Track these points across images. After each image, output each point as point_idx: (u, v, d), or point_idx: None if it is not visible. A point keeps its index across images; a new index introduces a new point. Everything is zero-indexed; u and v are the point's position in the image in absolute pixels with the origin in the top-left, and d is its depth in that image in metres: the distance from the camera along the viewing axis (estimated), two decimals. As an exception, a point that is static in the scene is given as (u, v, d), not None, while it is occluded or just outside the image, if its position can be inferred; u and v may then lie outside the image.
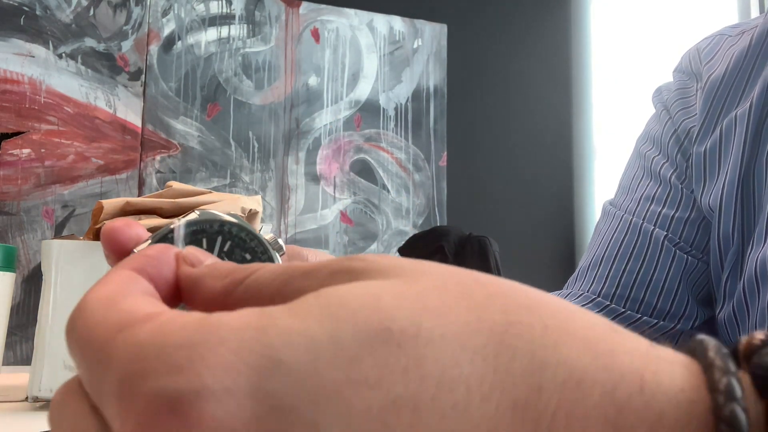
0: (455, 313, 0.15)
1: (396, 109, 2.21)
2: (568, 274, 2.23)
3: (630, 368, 0.15)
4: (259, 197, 1.05)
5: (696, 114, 0.53)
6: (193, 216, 0.26)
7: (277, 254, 0.25)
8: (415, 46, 2.25)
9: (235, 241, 0.25)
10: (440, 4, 2.31)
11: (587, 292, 0.51)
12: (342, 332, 0.14)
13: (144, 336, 0.15)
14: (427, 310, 0.15)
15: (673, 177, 0.53)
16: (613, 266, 0.51)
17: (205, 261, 0.20)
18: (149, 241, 0.24)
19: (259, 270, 0.18)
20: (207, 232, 0.25)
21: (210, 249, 0.25)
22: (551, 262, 2.28)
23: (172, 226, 0.25)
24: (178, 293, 0.20)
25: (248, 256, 0.25)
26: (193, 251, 0.21)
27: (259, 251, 0.25)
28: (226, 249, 0.25)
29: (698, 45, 0.57)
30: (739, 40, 0.54)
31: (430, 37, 2.27)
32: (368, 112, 2.18)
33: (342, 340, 0.14)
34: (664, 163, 0.54)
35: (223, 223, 0.25)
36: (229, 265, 0.20)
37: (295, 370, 0.14)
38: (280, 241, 0.26)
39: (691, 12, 2.06)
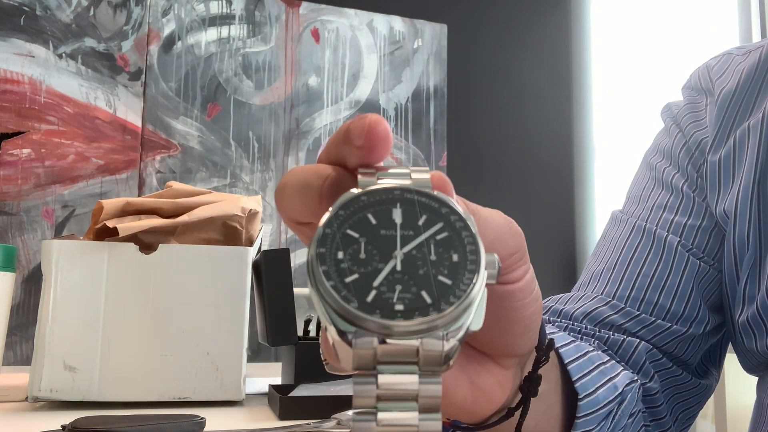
0: None
1: (396, 109, 2.21)
2: (568, 274, 2.24)
3: None
4: (259, 197, 1.05)
5: (707, 126, 0.55)
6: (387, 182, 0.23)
7: (482, 271, 0.22)
8: (415, 46, 2.25)
9: (452, 230, 0.22)
10: (440, 4, 2.31)
11: (601, 294, 0.52)
12: None
13: None
14: None
15: (685, 186, 0.54)
16: (628, 269, 0.52)
17: None
18: (378, 180, 0.23)
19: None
20: (431, 209, 0.23)
21: (415, 227, 0.22)
22: (551, 262, 2.29)
23: (381, 174, 0.23)
24: None
25: (455, 256, 0.22)
26: None
27: (469, 251, 0.22)
28: (439, 238, 0.22)
29: (707, 63, 0.59)
30: (747, 58, 0.56)
31: (430, 37, 2.27)
32: (368, 112, 2.18)
33: None
34: (675, 173, 0.55)
35: (453, 212, 0.23)
36: None
37: None
38: (497, 262, 0.23)
39: (690, 12, 2.06)
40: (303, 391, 0.80)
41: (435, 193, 0.23)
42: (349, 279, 0.21)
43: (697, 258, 0.51)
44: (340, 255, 0.21)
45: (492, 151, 2.31)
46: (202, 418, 0.65)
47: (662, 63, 2.09)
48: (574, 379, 0.40)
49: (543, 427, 0.38)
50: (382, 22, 2.22)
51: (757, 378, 0.51)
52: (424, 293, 0.21)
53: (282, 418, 0.74)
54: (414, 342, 0.20)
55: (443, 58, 2.28)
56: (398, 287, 0.21)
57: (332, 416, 0.70)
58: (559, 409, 0.40)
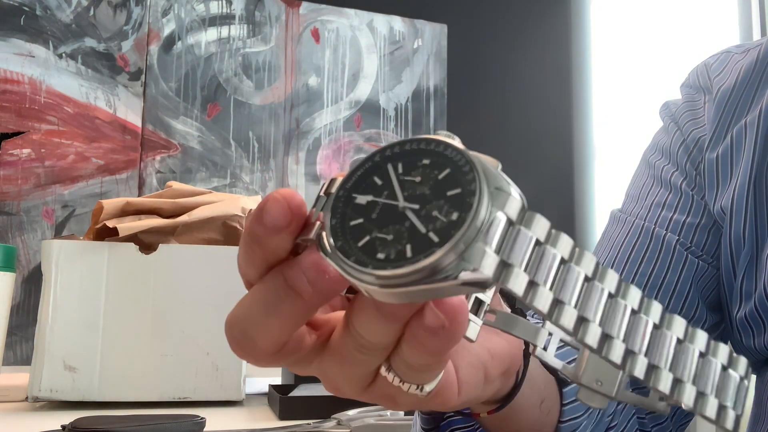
0: None
1: (396, 109, 2.21)
2: (568, 274, 2.22)
3: None
4: (258, 197, 1.05)
5: (705, 125, 0.55)
6: (340, 178, 0.23)
7: (455, 138, 0.22)
8: (415, 46, 2.25)
9: (405, 157, 0.22)
10: (440, 4, 2.31)
11: None
12: None
13: None
14: None
15: (684, 184, 0.54)
16: (626, 268, 0.52)
17: None
18: (318, 223, 0.22)
19: None
20: (377, 169, 0.22)
21: (387, 183, 0.22)
22: (551, 262, 2.28)
23: (329, 190, 0.22)
24: None
25: (426, 161, 0.22)
26: None
27: (432, 146, 0.22)
28: (400, 171, 0.22)
29: (706, 61, 0.59)
30: (745, 56, 0.56)
31: (430, 37, 2.27)
32: (368, 112, 2.18)
33: None
34: (673, 171, 0.55)
35: (389, 146, 0.22)
36: None
37: None
38: (458, 142, 0.22)
39: (690, 12, 2.06)
40: (303, 391, 0.80)
41: (362, 158, 0.23)
42: (408, 254, 0.20)
43: (695, 256, 0.51)
44: (381, 256, 0.21)
45: (492, 151, 2.28)
46: (202, 418, 0.65)
47: (662, 62, 2.09)
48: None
49: (546, 403, 0.39)
50: (382, 22, 2.22)
51: (756, 376, 0.51)
52: (460, 193, 0.21)
53: (282, 418, 0.74)
54: (499, 215, 0.21)
55: (443, 58, 2.28)
56: (434, 212, 0.21)
57: (332, 416, 0.70)
58: (556, 390, 0.41)
